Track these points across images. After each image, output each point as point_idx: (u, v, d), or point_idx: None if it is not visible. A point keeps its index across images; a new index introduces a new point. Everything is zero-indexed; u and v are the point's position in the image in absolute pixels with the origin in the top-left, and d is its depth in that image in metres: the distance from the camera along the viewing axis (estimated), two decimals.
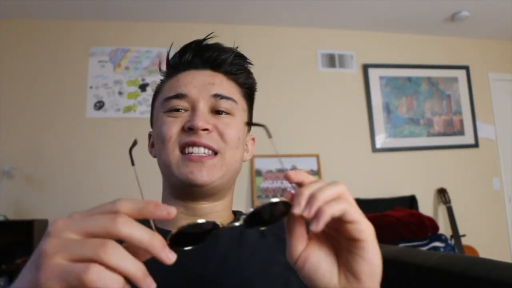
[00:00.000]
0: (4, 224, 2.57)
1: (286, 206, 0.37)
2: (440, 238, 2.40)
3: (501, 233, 3.39)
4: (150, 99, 0.73)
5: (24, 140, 2.85)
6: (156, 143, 0.64)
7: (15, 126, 2.86)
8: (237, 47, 0.68)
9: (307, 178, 0.38)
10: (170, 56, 0.69)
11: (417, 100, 3.47)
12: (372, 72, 3.41)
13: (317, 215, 0.35)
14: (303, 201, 0.35)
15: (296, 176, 0.38)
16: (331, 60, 3.38)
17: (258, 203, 2.98)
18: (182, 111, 0.62)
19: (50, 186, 2.81)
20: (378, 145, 3.32)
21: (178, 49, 0.69)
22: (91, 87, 2.99)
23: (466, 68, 3.59)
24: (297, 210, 0.35)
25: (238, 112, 0.65)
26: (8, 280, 2.51)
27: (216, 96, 0.62)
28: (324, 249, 0.39)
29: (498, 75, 3.68)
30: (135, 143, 0.41)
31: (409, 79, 3.48)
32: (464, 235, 3.05)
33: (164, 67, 0.70)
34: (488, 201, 3.42)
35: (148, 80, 3.05)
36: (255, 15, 3.15)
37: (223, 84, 0.64)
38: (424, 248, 2.33)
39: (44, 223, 2.68)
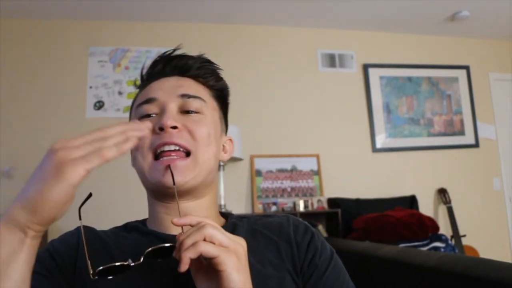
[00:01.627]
0: None
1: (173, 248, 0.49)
2: (440, 238, 2.40)
3: (501, 233, 3.39)
4: None
5: (24, 140, 2.85)
6: (132, 151, 0.65)
7: (15, 126, 2.86)
8: (203, 54, 0.72)
9: (192, 220, 0.49)
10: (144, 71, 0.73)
11: (417, 100, 3.47)
12: (372, 72, 3.41)
13: (180, 259, 0.45)
14: (177, 246, 0.47)
15: (179, 222, 0.49)
16: (331, 60, 3.38)
17: (258, 203, 2.98)
18: (154, 115, 0.64)
19: None
20: (378, 145, 3.32)
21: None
22: (91, 87, 2.99)
23: (467, 68, 3.59)
24: (174, 254, 0.48)
25: (208, 110, 0.66)
26: None
27: (184, 96, 0.64)
28: (207, 274, 0.49)
29: (498, 75, 3.68)
30: (89, 196, 0.50)
31: (409, 79, 3.48)
32: (464, 235, 3.05)
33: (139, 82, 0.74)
34: (489, 201, 3.42)
35: None
36: (255, 15, 3.15)
37: (191, 86, 0.67)
38: (425, 249, 2.32)
39: None
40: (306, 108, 3.24)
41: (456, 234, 3.01)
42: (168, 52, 0.70)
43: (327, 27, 3.39)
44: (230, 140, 0.73)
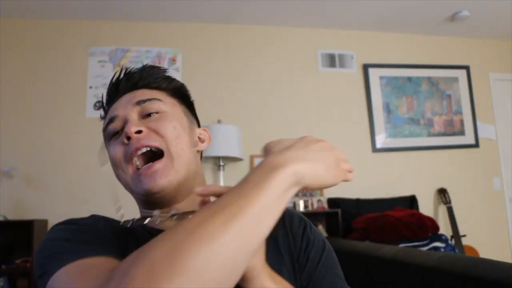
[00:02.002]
0: (4, 224, 2.57)
1: None
2: (440, 238, 2.40)
3: (501, 233, 3.39)
4: None
5: (24, 140, 2.85)
6: (114, 170, 0.68)
7: (15, 126, 2.86)
8: (147, 64, 0.75)
9: (216, 189, 0.50)
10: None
11: (417, 100, 3.47)
12: (372, 72, 3.41)
13: None
14: None
15: (204, 192, 0.50)
16: (331, 60, 3.38)
17: None
18: (121, 131, 0.67)
19: (50, 186, 2.81)
20: (378, 145, 3.32)
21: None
22: (91, 87, 2.99)
23: (467, 68, 3.59)
24: None
25: (167, 107, 0.69)
26: (8, 280, 2.51)
27: (140, 102, 0.67)
28: None
29: (498, 75, 3.68)
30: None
31: (409, 79, 3.48)
32: (464, 235, 3.05)
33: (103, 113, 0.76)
34: (489, 201, 3.42)
35: None
36: (255, 15, 3.15)
37: (144, 93, 0.69)
38: (425, 248, 2.32)
39: (43, 223, 2.68)
40: (306, 108, 3.24)
41: (456, 234, 3.01)
42: (117, 75, 0.73)
43: (327, 27, 3.39)
44: (204, 130, 0.75)
